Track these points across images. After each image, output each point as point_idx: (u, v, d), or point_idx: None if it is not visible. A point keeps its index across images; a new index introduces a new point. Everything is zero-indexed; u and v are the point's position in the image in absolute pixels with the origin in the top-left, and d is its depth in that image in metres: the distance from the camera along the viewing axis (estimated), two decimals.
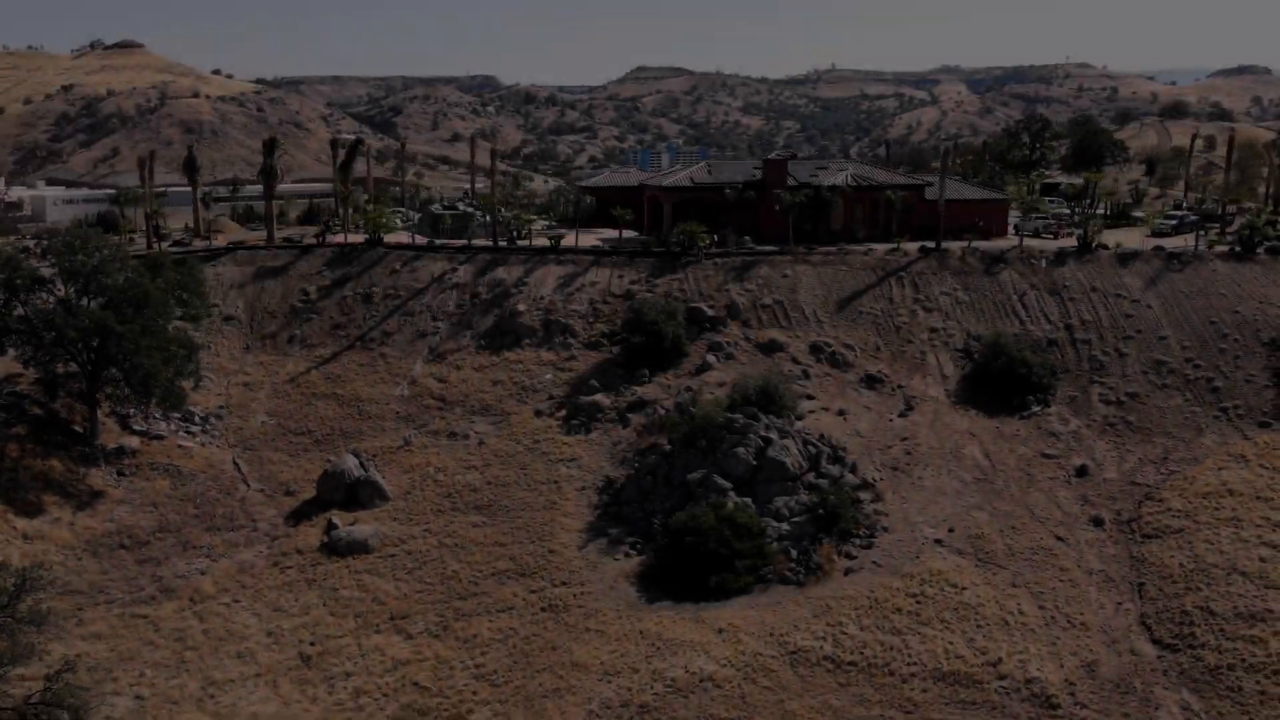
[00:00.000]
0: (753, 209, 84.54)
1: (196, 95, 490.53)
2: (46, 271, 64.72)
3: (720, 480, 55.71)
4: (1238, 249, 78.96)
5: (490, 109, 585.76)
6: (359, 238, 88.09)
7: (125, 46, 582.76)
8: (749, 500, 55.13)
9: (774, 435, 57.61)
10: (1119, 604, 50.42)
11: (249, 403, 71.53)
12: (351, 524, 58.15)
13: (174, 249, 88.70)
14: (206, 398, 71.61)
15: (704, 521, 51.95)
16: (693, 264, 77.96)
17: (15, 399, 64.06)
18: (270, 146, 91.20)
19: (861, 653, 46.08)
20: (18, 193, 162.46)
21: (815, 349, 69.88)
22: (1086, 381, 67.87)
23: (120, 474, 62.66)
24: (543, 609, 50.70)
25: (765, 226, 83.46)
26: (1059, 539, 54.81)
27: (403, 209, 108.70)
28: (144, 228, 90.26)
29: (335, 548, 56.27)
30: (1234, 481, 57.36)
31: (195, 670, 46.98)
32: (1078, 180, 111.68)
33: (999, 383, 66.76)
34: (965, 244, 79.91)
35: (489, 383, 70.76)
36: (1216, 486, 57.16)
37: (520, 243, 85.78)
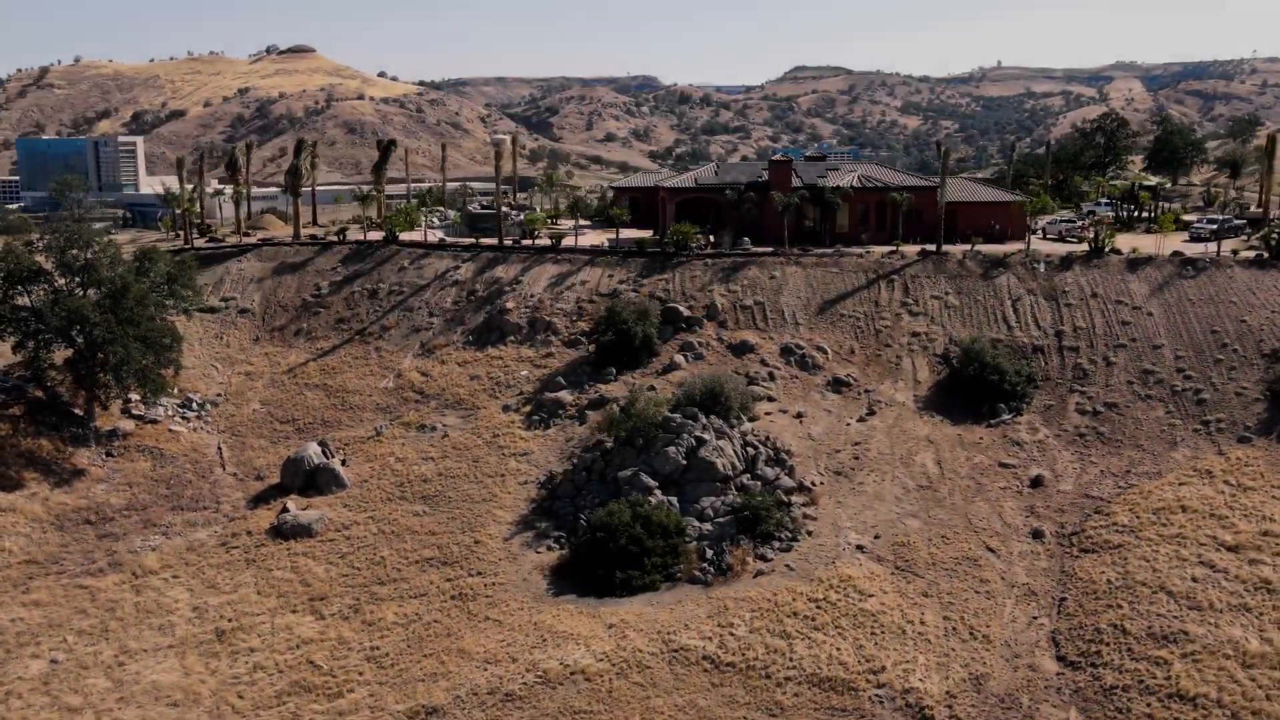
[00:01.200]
0: (756, 210, 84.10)
1: (361, 97, 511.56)
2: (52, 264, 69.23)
3: (647, 478, 55.90)
4: (1264, 255, 74.74)
5: (644, 109, 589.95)
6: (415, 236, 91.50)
7: (298, 51, 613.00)
8: (674, 499, 55.19)
9: (709, 436, 57.43)
10: (1034, 618, 48.63)
11: (246, 391, 74.92)
12: (304, 509, 60.47)
13: (208, 245, 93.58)
14: (208, 385, 75.41)
15: (619, 518, 52.26)
16: (683, 264, 78.07)
17: (19, 383, 68.74)
18: (299, 148, 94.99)
19: (744, 654, 45.71)
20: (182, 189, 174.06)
21: (786, 351, 69.19)
22: (1066, 390, 65.35)
23: (108, 454, 66.52)
24: (452, 597, 51.86)
25: (768, 228, 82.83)
26: (990, 550, 53.12)
27: (442, 208, 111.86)
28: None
29: (281, 531, 58.62)
30: (1190, 498, 54.54)
31: (115, 639, 49.77)
32: (1150, 181, 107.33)
33: (971, 389, 64.95)
34: (969, 247, 77.82)
35: (467, 378, 72.40)
36: (1170, 502, 54.46)
37: (525, 242, 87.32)
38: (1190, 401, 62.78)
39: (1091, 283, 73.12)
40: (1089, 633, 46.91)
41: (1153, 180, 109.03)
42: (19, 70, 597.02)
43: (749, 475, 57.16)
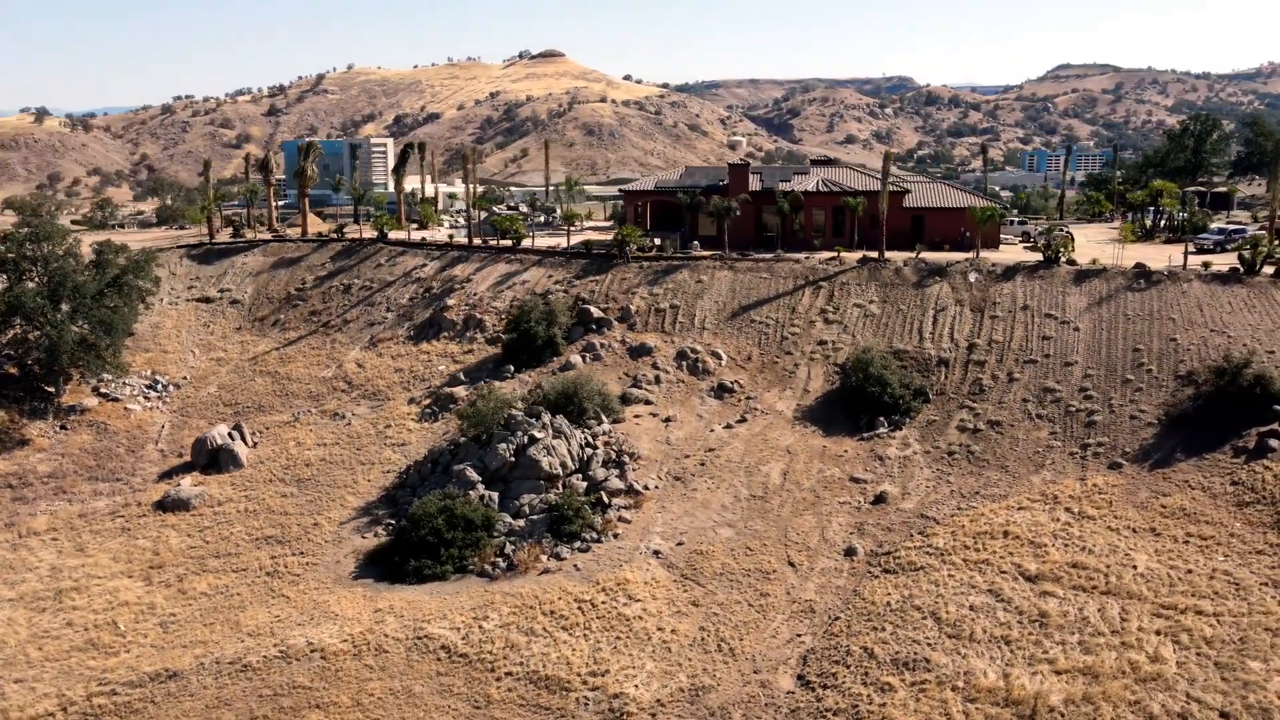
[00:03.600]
0: (721, 214, 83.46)
1: (603, 100, 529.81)
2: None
3: (471, 473, 57.06)
4: (1238, 269, 68.75)
5: (888, 111, 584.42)
6: (432, 234, 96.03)
7: (548, 56, 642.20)
8: (494, 495, 56.18)
9: (542, 435, 57.97)
10: (797, 636, 47.03)
11: (209, 375, 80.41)
12: (196, 485, 64.77)
13: (227, 240, 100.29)
14: (180, 368, 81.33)
15: (424, 509, 53.83)
16: (621, 266, 78.50)
17: (17, 357, 75.84)
18: (307, 150, 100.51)
19: (480, 647, 46.30)
20: (432, 190, 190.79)
21: (681, 355, 68.67)
22: (956, 406, 62.26)
23: (62, 428, 72.94)
24: (267, 574, 54.60)
25: (728, 232, 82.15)
26: (791, 565, 51.55)
27: (467, 210, 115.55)
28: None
29: (164, 504, 62.97)
30: (1020, 523, 51.27)
31: None
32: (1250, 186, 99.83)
33: (854, 401, 62.88)
34: (913, 255, 74.92)
35: (393, 370, 75.33)
36: (995, 527, 51.34)
37: (504, 242, 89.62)
38: (1080, 423, 58.76)
39: (1027, 294, 69.22)
40: (838, 654, 45.09)
41: (1212, 188, 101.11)
42: (300, 78, 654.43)
43: (580, 476, 57.45)
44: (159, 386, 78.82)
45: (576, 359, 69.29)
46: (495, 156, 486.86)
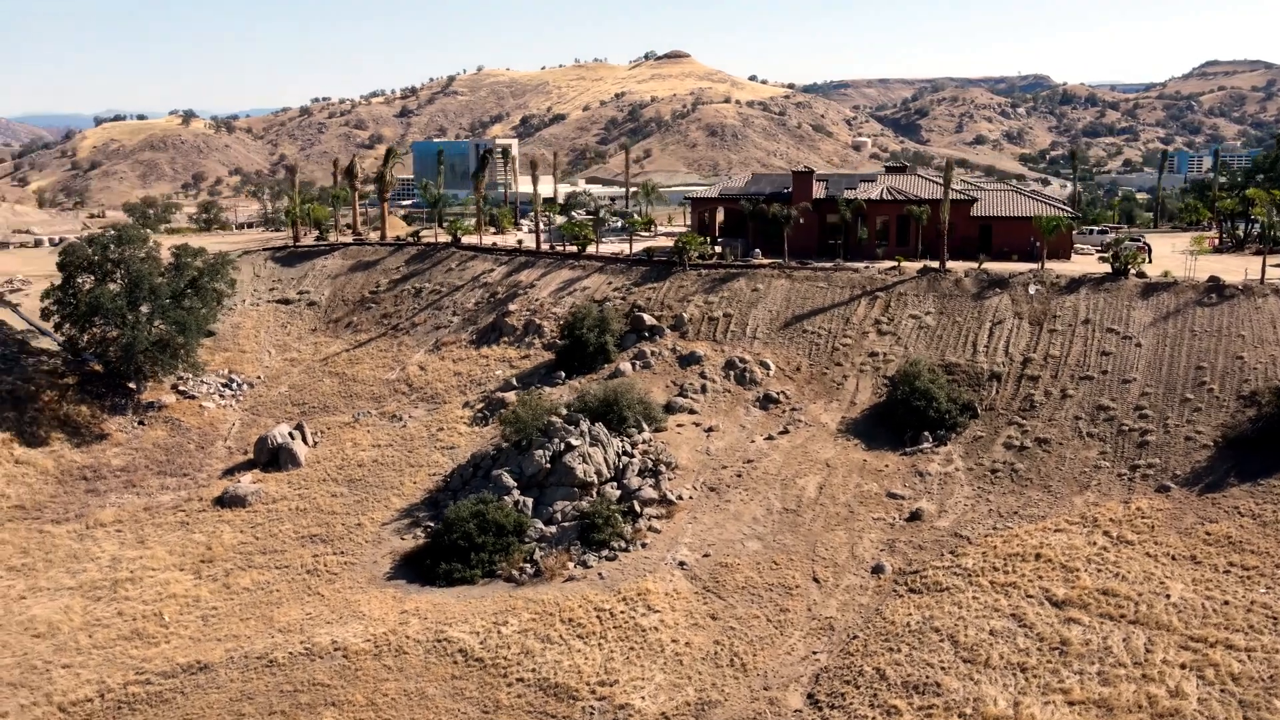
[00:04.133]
0: (781, 222, 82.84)
1: (726, 101, 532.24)
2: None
3: (508, 478, 57.88)
4: None
5: (1021, 110, 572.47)
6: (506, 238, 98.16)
7: (674, 57, 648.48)
8: (529, 500, 56.90)
9: (579, 442, 58.45)
10: (813, 653, 46.49)
11: (282, 375, 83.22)
12: (255, 483, 67.15)
13: (310, 244, 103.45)
14: (255, 367, 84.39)
15: (460, 513, 54.87)
16: (679, 274, 78.54)
17: (89, 357, 79.91)
18: (387, 157, 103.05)
19: (496, 652, 47.01)
20: (556, 190, 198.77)
21: (730, 365, 68.36)
22: (1005, 422, 60.62)
23: (140, 423, 76.36)
24: (307, 571, 56.32)
25: (791, 239, 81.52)
26: (816, 581, 50.97)
27: (548, 215, 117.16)
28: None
29: (223, 500, 65.44)
30: (1054, 545, 49.72)
31: (31, 576, 58.00)
32: None
33: (900, 415, 61.78)
34: (976, 265, 73.17)
35: (452, 374, 76.81)
36: (1028, 549, 49.89)
37: (570, 248, 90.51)
38: (1132, 443, 56.66)
39: (1090, 307, 66.97)
40: (850, 674, 44.47)
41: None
42: (430, 79, 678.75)
43: (614, 484, 57.77)
44: (234, 385, 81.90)
45: (626, 366, 69.63)
46: (617, 158, 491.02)
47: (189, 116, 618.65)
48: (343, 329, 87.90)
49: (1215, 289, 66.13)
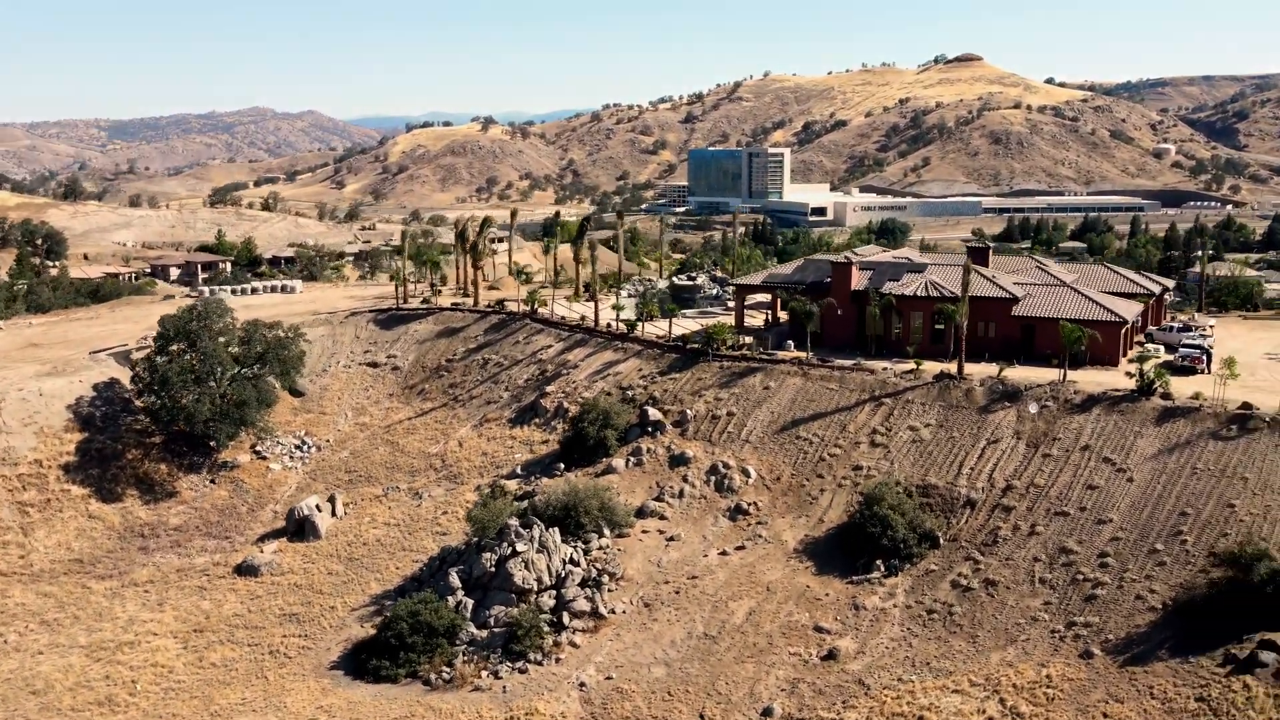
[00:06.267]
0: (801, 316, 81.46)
1: (1016, 106, 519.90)
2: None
3: (454, 579, 60.46)
4: None
5: None
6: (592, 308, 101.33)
7: (964, 60, 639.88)
8: (470, 602, 59.28)
9: (525, 548, 60.20)
10: None
11: (349, 440, 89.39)
12: (274, 553, 72.90)
13: (415, 306, 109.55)
14: (329, 430, 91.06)
15: (398, 611, 58.06)
16: (704, 364, 78.77)
17: (169, 420, 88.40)
18: (483, 226, 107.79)
19: None
20: (825, 199, 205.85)
21: (712, 469, 68.22)
22: (962, 557, 57.79)
23: (212, 482, 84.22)
24: (270, 651, 60.89)
25: (827, 329, 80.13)
26: (701, 718, 50.76)
27: (641, 280, 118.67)
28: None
29: (241, 568, 71.52)
30: (942, 709, 47.30)
31: (54, 631, 65.58)
32: None
33: (856, 540, 60.07)
34: (995, 373, 69.61)
35: (480, 454, 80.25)
36: (916, 709, 47.74)
37: (621, 328, 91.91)
38: (1081, 595, 52.97)
39: (1095, 432, 62.63)
40: None
41: None
42: (717, 85, 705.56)
43: (552, 592, 59.30)
44: (305, 447, 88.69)
45: (620, 463, 70.85)
46: (895, 165, 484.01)
47: (488, 123, 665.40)
48: (415, 396, 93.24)
49: (1240, 419, 60.33)
